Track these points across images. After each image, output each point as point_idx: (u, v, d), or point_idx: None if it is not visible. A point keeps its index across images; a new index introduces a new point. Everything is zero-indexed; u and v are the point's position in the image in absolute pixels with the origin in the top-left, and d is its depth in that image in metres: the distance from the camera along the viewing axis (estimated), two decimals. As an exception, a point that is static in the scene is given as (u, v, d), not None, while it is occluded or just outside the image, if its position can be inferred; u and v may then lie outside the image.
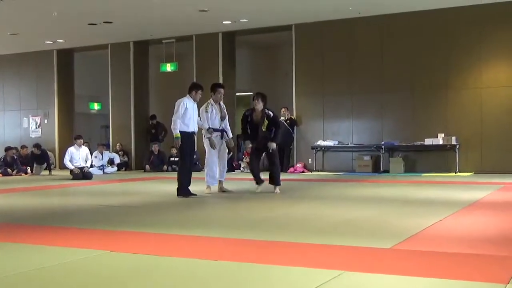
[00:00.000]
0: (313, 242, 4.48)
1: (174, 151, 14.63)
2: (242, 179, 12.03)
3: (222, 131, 8.76)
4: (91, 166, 13.93)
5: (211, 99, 8.70)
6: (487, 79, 12.98)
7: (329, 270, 3.53)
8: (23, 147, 16.63)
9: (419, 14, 13.42)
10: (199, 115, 8.61)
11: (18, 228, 5.59)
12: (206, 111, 8.58)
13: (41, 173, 15.13)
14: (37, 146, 15.43)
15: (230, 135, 9.01)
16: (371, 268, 3.58)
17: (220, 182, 8.86)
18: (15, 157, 15.71)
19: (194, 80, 15.26)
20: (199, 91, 8.43)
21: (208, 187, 8.74)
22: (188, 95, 8.38)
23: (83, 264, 3.87)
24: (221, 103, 8.82)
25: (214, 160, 8.71)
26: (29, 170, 15.31)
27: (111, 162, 15.83)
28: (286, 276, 3.47)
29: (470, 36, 13.09)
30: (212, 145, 8.59)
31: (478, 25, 13.00)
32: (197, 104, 8.53)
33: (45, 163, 15.45)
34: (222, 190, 8.80)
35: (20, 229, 5.52)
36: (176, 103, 8.35)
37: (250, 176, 13.00)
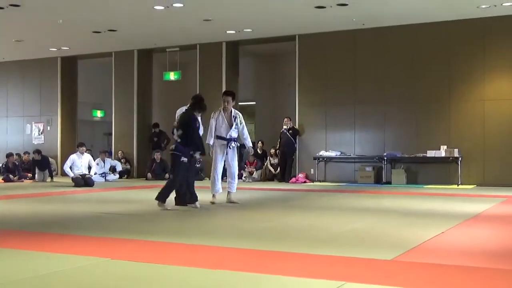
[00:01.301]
0: (314, 253, 4.46)
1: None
2: (244, 189, 12.01)
3: (229, 140, 8.57)
4: (95, 173, 13.94)
5: (221, 106, 8.65)
6: (490, 92, 12.98)
7: (330, 281, 3.51)
8: (25, 153, 16.66)
9: (423, 26, 13.45)
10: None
11: (17, 234, 5.59)
12: (212, 117, 8.54)
13: (45, 180, 15.09)
14: (37, 152, 15.46)
15: (249, 144, 8.90)
16: (372, 280, 3.56)
17: (229, 193, 8.65)
18: (17, 163, 15.73)
19: (197, 89, 15.35)
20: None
21: (214, 196, 8.57)
22: (188, 105, 8.38)
23: (82, 271, 3.86)
24: (234, 110, 8.64)
25: (216, 169, 8.53)
26: (30, 176, 15.30)
27: (113, 169, 15.83)
28: (286, 287, 3.45)
29: (473, 48, 13.10)
30: (210, 153, 8.50)
31: (481, 38, 13.02)
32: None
33: (47, 170, 15.44)
34: (230, 201, 8.60)
35: (19, 236, 5.51)
36: (178, 111, 8.40)
37: (252, 186, 13.07)
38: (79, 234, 5.50)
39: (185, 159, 7.78)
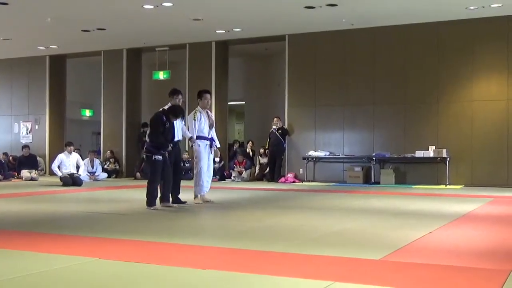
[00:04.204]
0: (303, 253, 4.48)
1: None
2: (233, 188, 12.03)
3: (211, 139, 8.58)
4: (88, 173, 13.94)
5: (198, 106, 8.54)
6: (478, 93, 13.07)
7: (319, 280, 3.53)
8: (10, 155, 16.63)
9: (412, 27, 13.52)
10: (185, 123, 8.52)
11: (5, 234, 5.55)
12: (194, 119, 8.35)
13: (36, 178, 15.00)
14: (26, 146, 15.56)
15: (218, 145, 8.82)
16: (360, 279, 3.58)
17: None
18: (3, 161, 15.59)
19: (187, 89, 15.32)
20: (174, 96, 8.34)
21: (196, 197, 8.53)
22: (169, 103, 8.35)
23: (71, 271, 3.85)
24: (208, 110, 8.65)
25: (203, 170, 8.45)
26: (21, 174, 15.18)
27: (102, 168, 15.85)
28: (276, 286, 3.46)
29: (461, 49, 13.18)
30: (196, 155, 8.39)
31: (469, 39, 13.10)
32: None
33: (35, 169, 15.39)
34: (205, 200, 8.58)
35: (7, 235, 5.48)
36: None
37: (241, 185, 13.07)
38: (68, 234, 5.48)
39: (157, 157, 7.75)
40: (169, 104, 8.33)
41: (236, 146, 16.84)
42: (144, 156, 8.04)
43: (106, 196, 10.25)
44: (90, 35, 14.84)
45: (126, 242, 4.98)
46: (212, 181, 8.88)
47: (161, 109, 8.13)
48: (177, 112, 7.94)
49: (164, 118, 7.85)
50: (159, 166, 7.76)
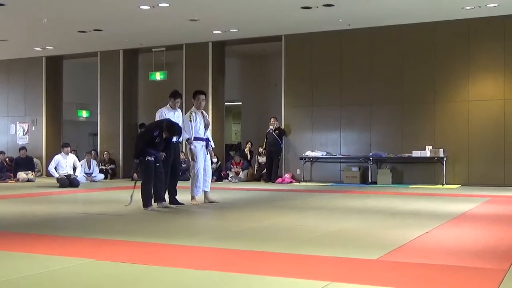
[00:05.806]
0: (300, 253, 4.48)
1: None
2: (230, 189, 12.02)
3: (207, 140, 8.58)
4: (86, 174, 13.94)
5: (193, 107, 8.54)
6: (474, 93, 13.09)
7: (316, 281, 3.53)
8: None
9: (408, 27, 13.54)
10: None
11: (2, 235, 5.54)
12: (190, 120, 8.33)
13: (33, 180, 14.97)
14: (23, 148, 15.56)
15: (213, 145, 8.84)
16: (357, 279, 3.58)
17: (206, 192, 8.61)
18: (5, 163, 15.57)
19: (184, 89, 15.30)
20: (173, 99, 8.37)
21: (193, 198, 8.53)
22: (167, 104, 8.37)
23: (68, 272, 3.84)
24: (203, 110, 8.65)
25: (200, 171, 8.44)
26: (18, 176, 15.16)
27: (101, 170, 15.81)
28: (273, 287, 3.46)
29: (457, 49, 13.21)
30: (193, 157, 8.41)
31: (465, 38, 13.13)
32: (179, 112, 8.52)
33: (31, 170, 15.37)
34: (209, 201, 8.62)
35: (5, 237, 5.47)
36: (156, 113, 8.38)
37: (238, 186, 13.07)
38: (64, 235, 5.47)
39: (149, 158, 7.70)
40: (168, 105, 8.37)
41: (232, 153, 16.88)
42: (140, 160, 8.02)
43: (102, 197, 10.24)
44: (86, 36, 14.82)
45: (123, 243, 4.98)
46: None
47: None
48: (174, 132, 7.81)
49: (157, 133, 7.72)
50: (151, 166, 7.74)
